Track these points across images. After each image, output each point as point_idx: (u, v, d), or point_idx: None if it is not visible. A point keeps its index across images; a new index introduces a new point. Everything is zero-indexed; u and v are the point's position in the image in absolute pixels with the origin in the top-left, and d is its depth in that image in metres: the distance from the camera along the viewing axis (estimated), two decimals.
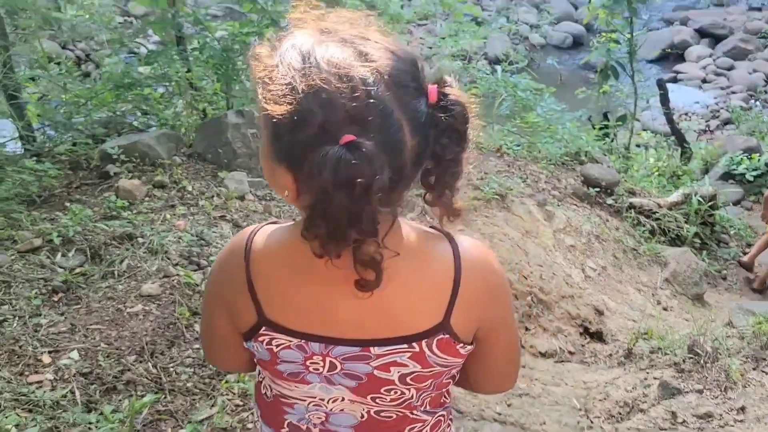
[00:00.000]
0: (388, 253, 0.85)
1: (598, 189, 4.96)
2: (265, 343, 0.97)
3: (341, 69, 0.82)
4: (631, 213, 5.01)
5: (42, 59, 6.20)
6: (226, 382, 2.29)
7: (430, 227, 1.00)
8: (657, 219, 5.08)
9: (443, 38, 8.16)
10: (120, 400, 2.14)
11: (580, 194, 4.88)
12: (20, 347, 2.26)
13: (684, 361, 2.98)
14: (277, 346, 0.96)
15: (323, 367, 0.96)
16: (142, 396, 2.15)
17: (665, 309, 4.29)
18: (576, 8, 13.09)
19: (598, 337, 3.78)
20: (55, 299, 2.56)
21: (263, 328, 0.96)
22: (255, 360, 1.03)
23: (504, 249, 3.91)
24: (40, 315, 2.44)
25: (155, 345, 2.37)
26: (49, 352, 2.26)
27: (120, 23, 9.14)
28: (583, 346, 3.71)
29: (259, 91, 0.86)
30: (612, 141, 6.59)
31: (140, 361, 2.29)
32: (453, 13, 5.86)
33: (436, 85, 0.89)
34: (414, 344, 0.94)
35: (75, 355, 2.26)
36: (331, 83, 0.81)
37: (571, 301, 3.91)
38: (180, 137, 3.96)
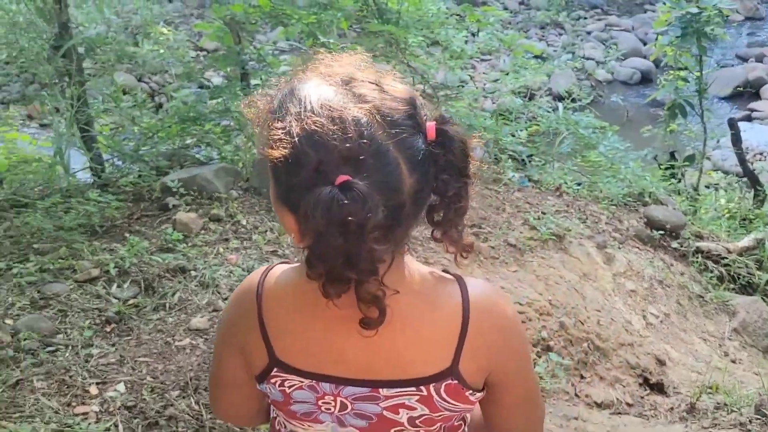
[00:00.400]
0: (391, 291, 0.86)
1: (662, 232, 4.77)
2: (277, 384, 0.97)
3: (334, 111, 0.84)
4: (697, 258, 4.79)
5: (116, 92, 6.50)
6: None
7: (443, 270, 1.00)
8: (726, 265, 4.83)
9: (506, 74, 8.11)
10: None
11: (642, 237, 4.70)
12: (70, 377, 2.31)
13: (750, 421, 2.79)
14: (290, 387, 0.97)
15: (334, 407, 0.97)
16: None
17: (733, 361, 4.05)
18: (644, 44, 12.84)
19: (658, 388, 3.60)
20: (108, 330, 2.62)
21: (275, 369, 0.97)
22: (269, 401, 1.04)
23: (560, 292, 3.79)
24: (92, 345, 2.50)
25: (199, 381, 2.38)
26: (97, 384, 2.31)
27: (192, 58, 9.54)
28: (642, 398, 3.53)
29: (259, 136, 0.90)
30: (679, 182, 6.36)
31: (183, 397, 2.30)
32: (513, 51, 5.83)
33: (434, 123, 0.90)
34: (422, 388, 0.94)
35: (121, 387, 2.29)
36: (324, 126, 0.83)
37: (630, 350, 3.74)
38: (238, 171, 4.05)
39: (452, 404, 0.96)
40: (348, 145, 0.82)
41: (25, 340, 2.44)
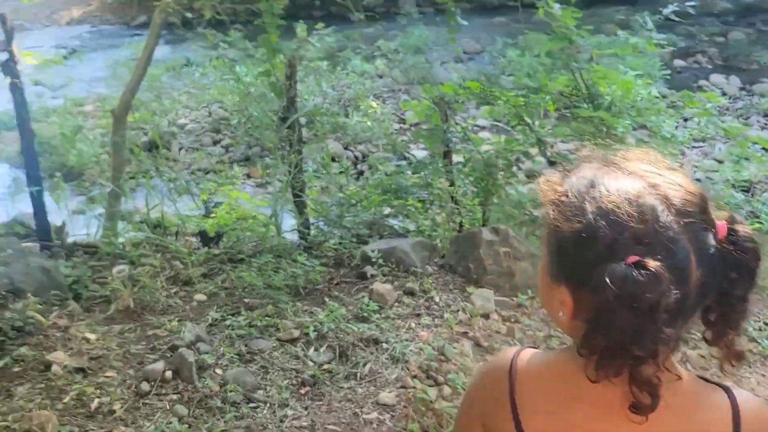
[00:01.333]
0: (672, 376, 0.88)
1: None
2: None
3: (631, 195, 0.88)
4: None
5: (326, 159, 6.99)
6: None
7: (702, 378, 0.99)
8: None
9: (721, 163, 7.48)
10: None
11: None
12: None
13: None
14: None
15: None
16: None
17: None
18: None
19: None
20: (302, 392, 2.72)
21: None
22: None
23: None
24: (287, 406, 2.61)
25: None
26: None
27: (395, 130, 10.04)
28: None
29: (549, 212, 0.93)
30: None
31: None
32: (736, 142, 5.38)
33: (725, 221, 0.91)
34: None
35: None
36: (621, 206, 0.87)
37: None
38: (434, 246, 4.10)
39: None
40: (643, 227, 0.85)
41: (231, 392, 2.60)
